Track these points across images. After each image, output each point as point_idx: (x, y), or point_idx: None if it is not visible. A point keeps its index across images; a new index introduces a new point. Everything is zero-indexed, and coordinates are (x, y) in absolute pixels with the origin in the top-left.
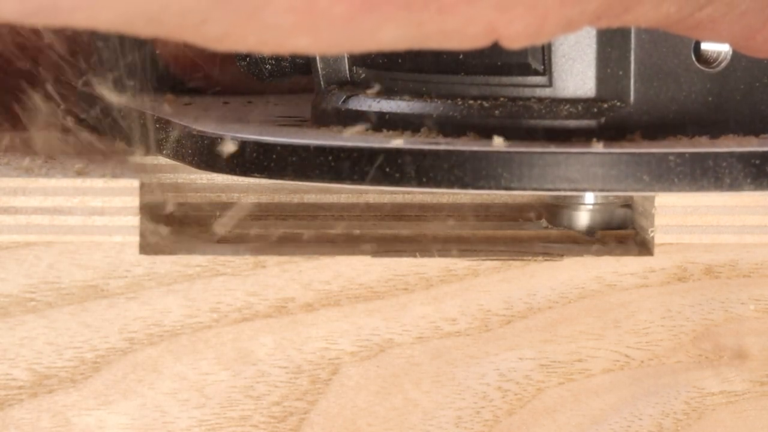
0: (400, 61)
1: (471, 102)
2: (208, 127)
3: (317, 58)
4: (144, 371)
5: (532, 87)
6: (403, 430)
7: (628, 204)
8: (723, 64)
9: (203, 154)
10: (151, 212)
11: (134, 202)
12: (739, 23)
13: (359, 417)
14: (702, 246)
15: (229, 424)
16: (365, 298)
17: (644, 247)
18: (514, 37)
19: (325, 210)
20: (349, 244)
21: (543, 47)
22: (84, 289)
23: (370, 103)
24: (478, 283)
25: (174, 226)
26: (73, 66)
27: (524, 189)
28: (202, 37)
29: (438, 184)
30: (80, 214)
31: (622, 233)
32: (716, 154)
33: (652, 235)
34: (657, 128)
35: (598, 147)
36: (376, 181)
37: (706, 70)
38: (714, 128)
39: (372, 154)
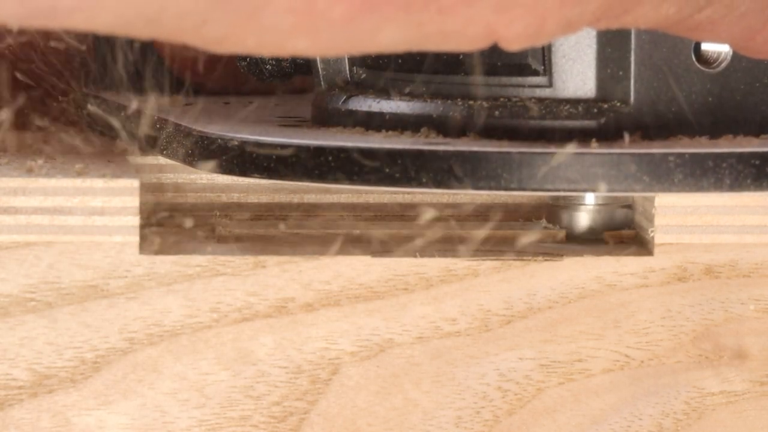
0: (400, 61)
1: (471, 102)
2: (209, 128)
3: (317, 59)
4: (144, 371)
5: (532, 87)
6: (403, 430)
7: (628, 204)
8: (723, 65)
9: (203, 154)
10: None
11: (134, 202)
12: (739, 24)
13: (359, 417)
14: (702, 246)
15: (229, 424)
16: (365, 298)
17: (644, 247)
18: (514, 38)
19: (325, 210)
20: (349, 244)
21: (543, 48)
22: (84, 289)
23: (370, 103)
24: (478, 283)
25: (174, 226)
26: (75, 66)
27: (524, 189)
28: (202, 39)
29: (438, 184)
30: (80, 214)
31: (622, 233)
32: (716, 155)
33: (652, 235)
34: (657, 129)
35: (598, 147)
36: (376, 181)
37: (707, 70)
38: (714, 128)
39: (372, 154)
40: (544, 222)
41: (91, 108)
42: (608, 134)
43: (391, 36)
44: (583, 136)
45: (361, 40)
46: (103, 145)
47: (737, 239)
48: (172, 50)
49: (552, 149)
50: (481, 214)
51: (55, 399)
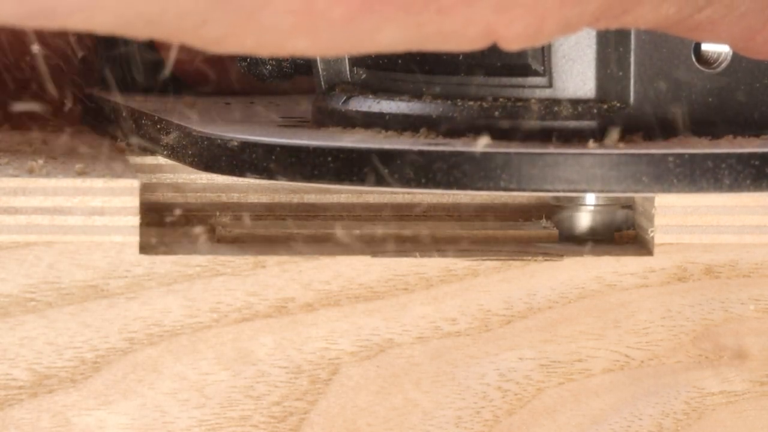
0: (400, 62)
1: (471, 103)
2: (209, 128)
3: (318, 59)
4: (144, 371)
5: (532, 88)
6: (403, 430)
7: (629, 205)
8: (723, 65)
9: (204, 154)
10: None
11: (134, 202)
12: (739, 25)
13: (359, 417)
14: (702, 246)
15: (229, 424)
16: (365, 298)
17: (644, 247)
18: (513, 38)
19: (325, 210)
20: (349, 244)
21: (543, 48)
22: (84, 289)
23: (370, 103)
24: (478, 283)
25: (174, 226)
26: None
27: (523, 190)
28: (201, 39)
29: (438, 185)
30: (80, 214)
31: (622, 233)
32: (716, 155)
33: (652, 235)
34: (657, 129)
35: (597, 148)
36: (376, 181)
37: (707, 70)
38: (714, 129)
39: (372, 154)
40: (544, 222)
41: (92, 108)
42: (608, 134)
43: (391, 36)
44: (582, 137)
45: (361, 41)
46: (103, 145)
47: (737, 239)
48: (173, 51)
49: (551, 150)
50: (481, 213)
51: (55, 399)
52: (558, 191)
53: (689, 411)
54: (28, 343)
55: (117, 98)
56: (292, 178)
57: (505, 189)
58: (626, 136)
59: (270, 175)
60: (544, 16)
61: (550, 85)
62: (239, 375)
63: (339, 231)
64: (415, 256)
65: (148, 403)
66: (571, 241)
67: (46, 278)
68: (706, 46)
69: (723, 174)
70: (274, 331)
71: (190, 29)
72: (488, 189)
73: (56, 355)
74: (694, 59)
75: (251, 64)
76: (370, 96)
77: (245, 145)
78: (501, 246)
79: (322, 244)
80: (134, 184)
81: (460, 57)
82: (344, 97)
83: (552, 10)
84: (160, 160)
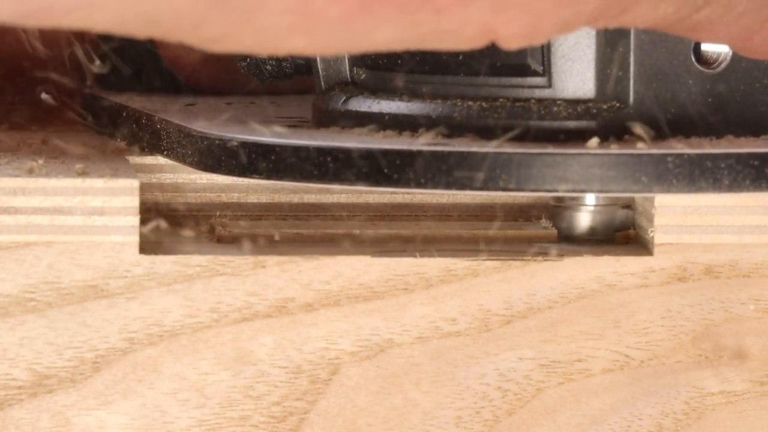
0: (400, 62)
1: (470, 103)
2: (209, 128)
3: (318, 59)
4: (144, 371)
5: (532, 88)
6: (403, 430)
7: (629, 205)
8: (723, 65)
9: (203, 154)
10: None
11: (134, 202)
12: (737, 24)
13: (359, 417)
14: (702, 246)
15: (229, 424)
16: (365, 298)
17: (644, 247)
18: (511, 37)
19: (325, 210)
20: (349, 244)
21: (542, 48)
22: (84, 289)
23: (370, 103)
24: (477, 283)
25: (174, 226)
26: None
27: (522, 190)
28: (199, 39)
29: (437, 185)
30: (80, 214)
31: (621, 233)
32: (715, 155)
33: (651, 235)
34: (656, 129)
35: (596, 148)
36: (376, 181)
37: (706, 70)
38: (713, 129)
39: (371, 154)
40: (544, 222)
41: (92, 108)
42: (607, 135)
43: (388, 35)
44: (582, 137)
45: (358, 40)
46: (103, 145)
47: (737, 239)
48: (173, 51)
49: (551, 150)
50: (481, 213)
51: (55, 399)
52: (557, 191)
53: (689, 411)
54: (28, 343)
55: (117, 98)
56: (292, 178)
57: (505, 189)
58: (625, 136)
59: (270, 175)
60: (541, 15)
61: (549, 85)
62: (239, 375)
63: (339, 231)
64: (415, 256)
65: (148, 403)
66: (571, 241)
67: (45, 278)
68: (705, 46)
69: (722, 174)
70: (274, 331)
71: (187, 28)
72: (488, 189)
73: (56, 355)
74: (693, 59)
75: (251, 64)
76: (370, 96)
77: (245, 145)
78: (501, 246)
79: (322, 244)
80: (134, 184)
81: (460, 57)
82: (344, 97)
83: (549, 9)
84: (160, 160)
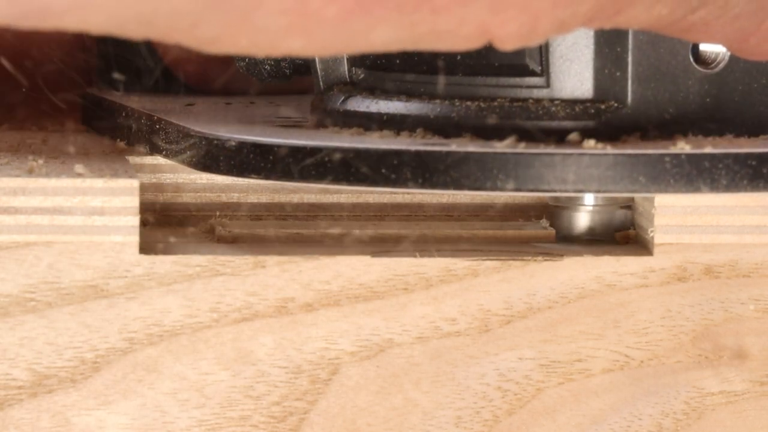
0: (398, 62)
1: (469, 103)
2: (208, 128)
3: (316, 60)
4: (144, 371)
5: (530, 88)
6: (403, 430)
7: (628, 205)
8: (721, 65)
9: (203, 154)
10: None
11: (134, 202)
12: (733, 26)
13: (359, 417)
14: (702, 246)
15: (229, 424)
16: (365, 298)
17: (644, 247)
18: (507, 38)
19: (325, 210)
20: (349, 244)
21: (541, 48)
22: (84, 289)
23: (368, 103)
24: (477, 283)
25: (174, 226)
26: (76, 66)
27: (520, 190)
28: (195, 40)
29: (435, 185)
30: (80, 214)
31: (621, 233)
32: (713, 155)
33: (651, 235)
34: (654, 129)
35: (594, 148)
36: (374, 181)
37: (704, 71)
38: (712, 129)
39: (370, 154)
40: (544, 222)
41: (92, 108)
42: (605, 135)
43: (385, 36)
44: (580, 137)
45: (355, 40)
46: (103, 145)
47: (737, 239)
48: (173, 51)
49: (549, 150)
50: (481, 213)
51: (55, 399)
52: (555, 191)
53: (689, 411)
54: (27, 343)
55: (117, 98)
56: (292, 178)
57: (503, 189)
58: (623, 136)
59: (269, 175)
60: (537, 15)
61: (547, 85)
62: (239, 375)
63: (339, 231)
64: (415, 256)
65: (148, 403)
66: (571, 241)
67: (45, 278)
68: (703, 47)
69: (720, 174)
70: (274, 331)
71: (184, 29)
72: (486, 189)
73: (56, 355)
74: (691, 59)
75: (250, 64)
76: (369, 96)
77: (244, 145)
78: (501, 246)
79: (322, 244)
80: (134, 184)
81: (458, 57)
82: (343, 97)
83: (545, 10)
84: (160, 160)
